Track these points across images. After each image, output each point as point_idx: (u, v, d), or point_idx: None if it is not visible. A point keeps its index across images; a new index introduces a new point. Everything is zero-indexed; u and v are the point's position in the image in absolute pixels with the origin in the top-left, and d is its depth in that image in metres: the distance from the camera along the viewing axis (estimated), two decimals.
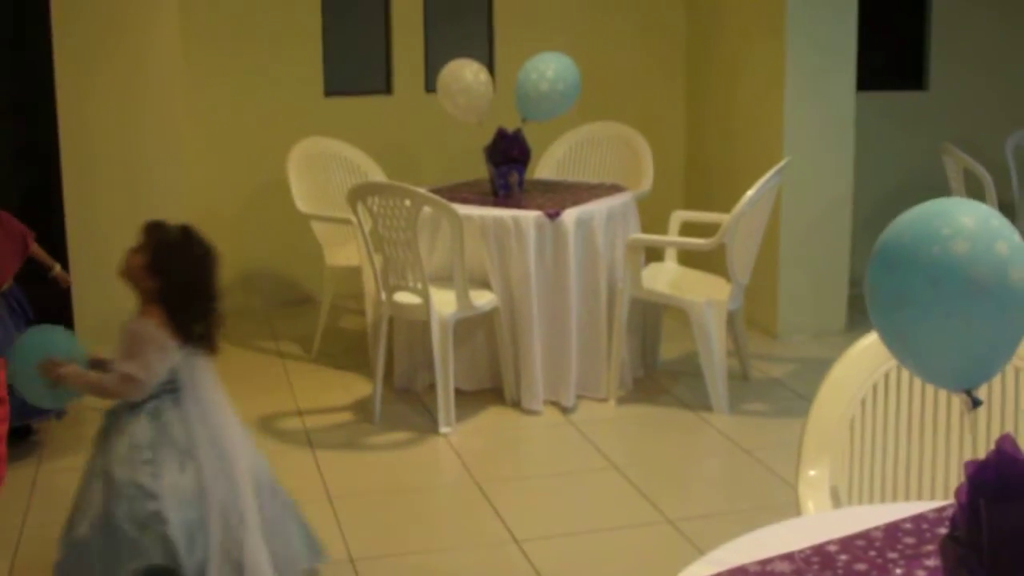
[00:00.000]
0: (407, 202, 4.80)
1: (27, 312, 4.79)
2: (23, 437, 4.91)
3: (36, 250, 4.80)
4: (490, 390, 5.29)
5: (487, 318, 5.12)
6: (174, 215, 5.42)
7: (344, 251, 5.87)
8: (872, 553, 1.85)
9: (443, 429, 4.90)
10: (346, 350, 5.99)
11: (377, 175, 6.11)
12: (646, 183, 6.09)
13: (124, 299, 5.35)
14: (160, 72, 5.41)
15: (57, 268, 4.86)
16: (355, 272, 5.68)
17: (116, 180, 5.43)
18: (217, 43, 6.54)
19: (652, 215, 5.98)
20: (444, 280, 5.02)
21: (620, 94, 7.14)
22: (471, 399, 5.21)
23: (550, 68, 5.53)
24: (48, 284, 4.89)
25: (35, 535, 4.08)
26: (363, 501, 4.32)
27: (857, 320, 6.16)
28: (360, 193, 4.98)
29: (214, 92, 6.54)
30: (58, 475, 4.62)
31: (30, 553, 3.95)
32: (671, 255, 5.69)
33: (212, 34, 6.52)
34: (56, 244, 5.49)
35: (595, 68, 6.69)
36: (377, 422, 5.06)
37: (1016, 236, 1.81)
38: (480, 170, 5.70)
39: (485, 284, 5.09)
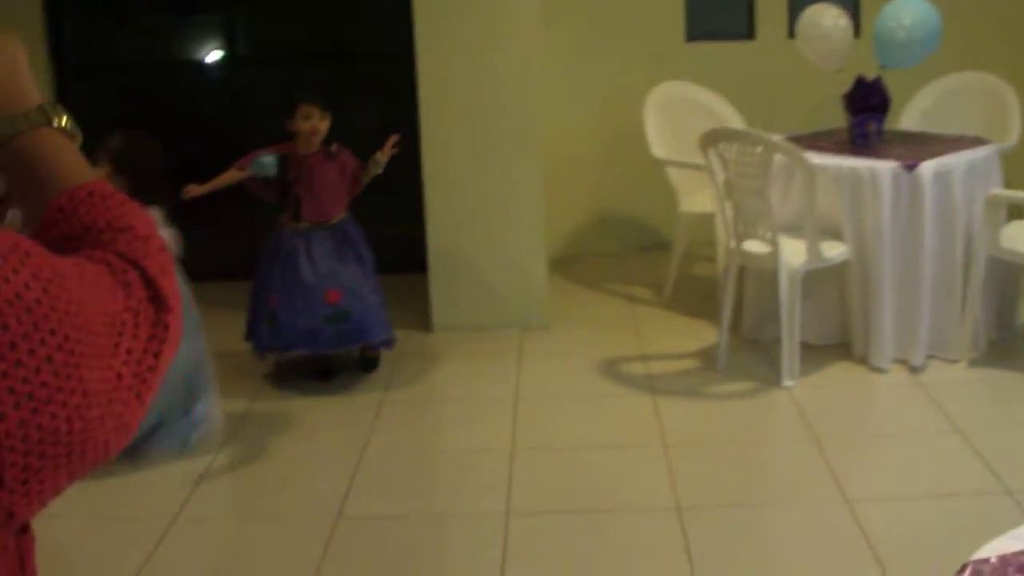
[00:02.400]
0: (758, 149, 4.72)
1: (357, 248, 5.01)
2: (369, 369, 5.19)
3: (370, 172, 4.97)
4: (837, 345, 5.14)
5: (837, 271, 4.97)
6: (528, 159, 5.60)
7: (698, 198, 5.84)
8: None
9: (786, 382, 4.81)
10: (697, 297, 5.96)
11: (735, 121, 6.02)
12: (1012, 136, 5.72)
13: (473, 233, 5.60)
14: (516, 16, 5.49)
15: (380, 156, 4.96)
16: (709, 219, 5.63)
17: (470, 122, 5.56)
18: None
19: (1017, 171, 5.62)
20: (795, 230, 4.90)
21: (990, 41, 6.72)
22: (817, 353, 5.08)
23: (907, 16, 5.25)
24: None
25: (376, 456, 4.33)
26: (697, 451, 4.30)
27: None
28: (712, 138, 4.93)
29: (572, 37, 6.61)
30: (398, 405, 4.86)
31: (367, 476, 4.19)
32: None
33: None
34: (413, 183, 5.73)
35: (964, 14, 6.33)
36: (721, 371, 5.02)
37: None
38: (840, 118, 5.52)
39: (837, 235, 4.94)
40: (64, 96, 6.76)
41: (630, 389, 4.93)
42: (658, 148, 5.89)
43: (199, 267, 4.26)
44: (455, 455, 4.47)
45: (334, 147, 4.96)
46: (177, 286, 1.12)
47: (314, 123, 4.88)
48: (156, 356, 1.05)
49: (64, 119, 1.20)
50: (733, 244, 5.01)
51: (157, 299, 1.08)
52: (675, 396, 4.80)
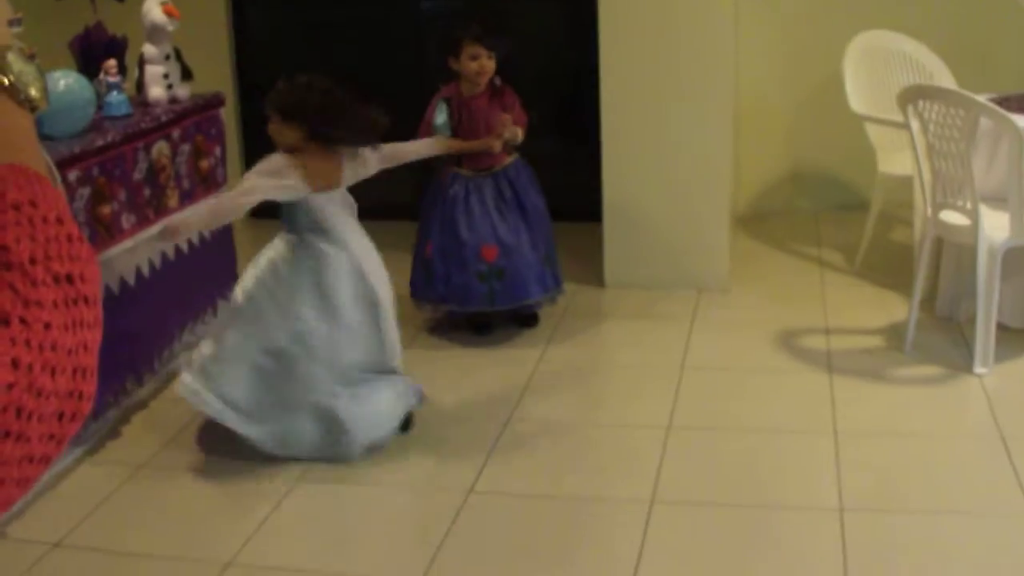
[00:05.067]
0: (961, 110, 4.27)
1: (522, 196, 4.76)
2: (529, 325, 4.96)
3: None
4: None
5: None
6: (716, 105, 5.24)
7: (899, 158, 5.37)
8: None
9: (978, 369, 4.37)
10: (891, 265, 5.51)
11: (943, 77, 5.50)
12: None
13: (652, 184, 5.28)
14: None
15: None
16: (909, 181, 5.17)
17: (653, 63, 5.21)
18: None
19: None
20: (999, 202, 4.43)
21: None
22: (1017, 338, 4.61)
23: None
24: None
25: (520, 426, 4.11)
26: (870, 442, 3.93)
27: None
28: (911, 96, 4.49)
29: None
30: (555, 367, 4.61)
31: (505, 448, 3.96)
32: None
33: None
34: (588, 127, 5.44)
35: None
36: (907, 352, 4.61)
37: None
38: None
39: None
40: (242, 27, 6.69)
41: (806, 365, 4.57)
42: (857, 102, 5.44)
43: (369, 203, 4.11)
44: (605, 430, 4.20)
45: (498, 82, 4.74)
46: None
47: (481, 63, 4.66)
48: None
49: (10, 75, 0.92)
50: (930, 213, 4.58)
51: None
52: (854, 377, 4.42)
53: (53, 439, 0.82)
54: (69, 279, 0.85)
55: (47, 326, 0.81)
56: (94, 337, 0.87)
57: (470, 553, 3.36)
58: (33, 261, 0.83)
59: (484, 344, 4.80)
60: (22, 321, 0.80)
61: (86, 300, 0.86)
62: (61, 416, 0.82)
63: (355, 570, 3.30)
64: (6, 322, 0.79)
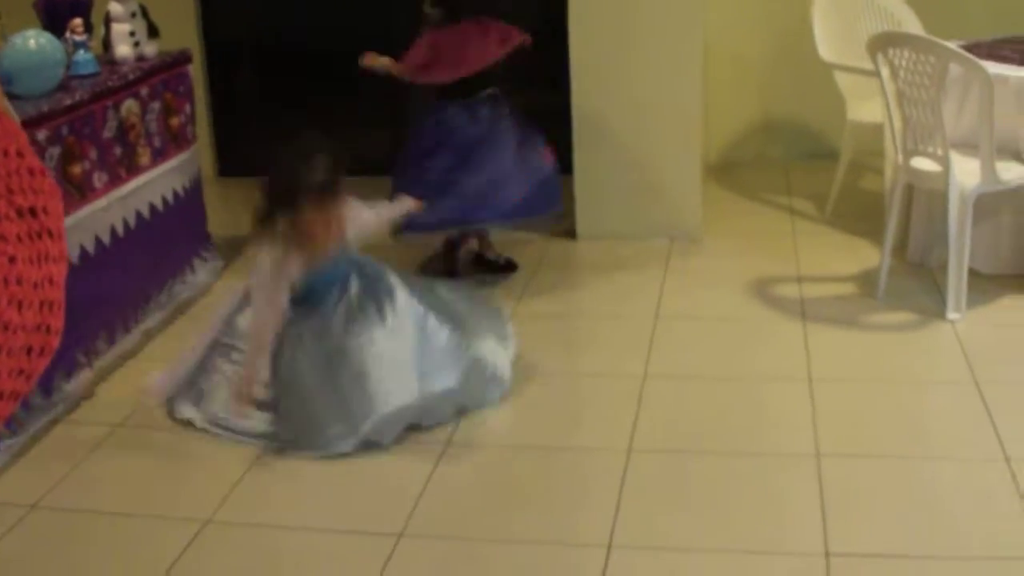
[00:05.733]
0: (931, 57, 4.27)
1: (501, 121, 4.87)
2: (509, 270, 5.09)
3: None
4: (1011, 276, 4.70)
5: (1015, 194, 4.51)
6: (686, 51, 5.21)
7: (868, 106, 5.38)
8: None
9: (951, 315, 4.41)
10: (861, 213, 5.53)
11: (911, 24, 5.51)
12: None
13: (622, 134, 5.26)
14: None
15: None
16: (879, 129, 5.17)
17: (620, 9, 5.20)
18: None
19: None
20: (969, 148, 4.45)
21: None
22: (988, 284, 4.65)
23: None
24: None
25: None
26: (845, 388, 3.96)
27: None
28: (880, 43, 4.49)
29: None
30: (528, 319, 4.61)
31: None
32: None
33: None
34: (557, 76, 5.42)
35: None
36: (880, 298, 4.64)
37: None
38: None
39: (1016, 155, 4.46)
40: None
41: (780, 313, 4.59)
42: (826, 50, 5.44)
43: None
44: (578, 379, 4.22)
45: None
46: None
47: None
48: None
49: None
50: (901, 160, 4.59)
51: None
52: (828, 324, 4.45)
53: (23, 374, 0.81)
54: (32, 212, 0.82)
55: (11, 259, 0.78)
56: (60, 270, 0.85)
57: (447, 502, 3.38)
58: None
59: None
60: None
61: (50, 233, 0.84)
62: (29, 351, 0.81)
63: (338, 525, 3.31)
64: None
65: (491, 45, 4.77)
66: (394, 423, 3.67)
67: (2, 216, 0.76)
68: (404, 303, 3.80)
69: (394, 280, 3.84)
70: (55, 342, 0.81)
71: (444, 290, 4.13)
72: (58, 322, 0.80)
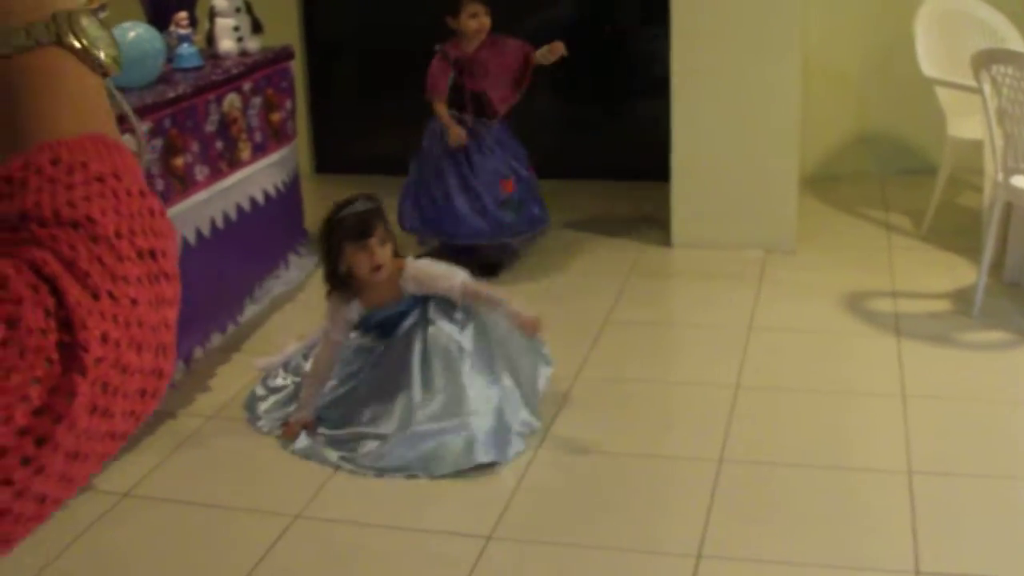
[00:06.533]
0: None
1: (506, 147, 5.02)
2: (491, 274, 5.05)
3: (535, 59, 4.97)
4: None
5: None
6: (786, 64, 5.19)
7: (969, 122, 5.31)
8: None
9: None
10: (959, 230, 5.46)
11: (1015, 41, 5.43)
12: None
13: (721, 144, 5.25)
14: None
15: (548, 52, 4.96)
16: (979, 146, 5.11)
17: (723, 19, 5.18)
18: None
19: None
20: None
21: None
22: None
23: None
24: None
25: (587, 383, 4.11)
26: (938, 405, 3.93)
27: None
28: (985, 59, 4.45)
29: None
30: (622, 326, 4.60)
31: (573, 404, 3.98)
32: None
33: None
34: (660, 83, 5.42)
35: None
36: (975, 316, 4.58)
37: None
38: None
39: None
40: None
41: (874, 328, 4.56)
42: (928, 65, 5.38)
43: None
44: (670, 387, 4.22)
45: (497, 37, 4.99)
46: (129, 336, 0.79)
47: (480, 20, 4.92)
48: (38, 442, 0.73)
49: (83, 39, 0.86)
50: (1000, 178, 4.54)
51: (65, 349, 0.75)
52: (922, 341, 4.40)
53: (133, 415, 0.82)
54: (152, 254, 0.83)
55: (134, 302, 0.80)
56: (173, 314, 0.86)
57: (538, 506, 3.40)
58: (119, 235, 0.80)
59: (550, 301, 4.80)
60: (111, 296, 0.78)
61: (167, 276, 0.85)
62: (143, 393, 0.82)
63: (428, 526, 3.34)
64: (96, 296, 0.77)
65: (510, 61, 4.97)
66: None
67: (125, 257, 0.78)
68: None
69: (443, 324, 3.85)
70: (164, 386, 0.82)
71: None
72: (170, 367, 0.81)
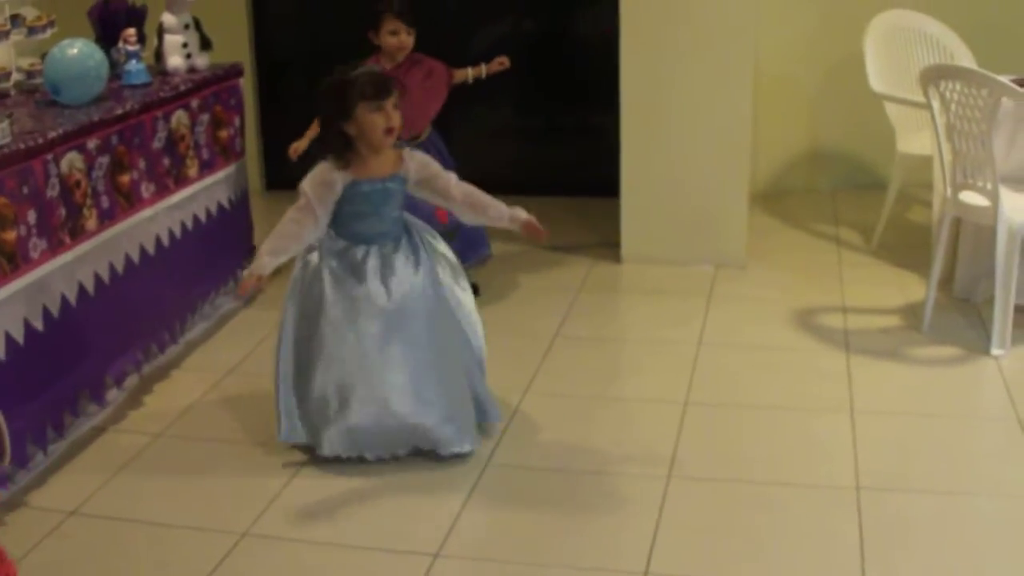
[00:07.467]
0: (984, 91, 4.25)
1: (446, 158, 4.73)
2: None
3: (457, 77, 4.91)
4: None
5: None
6: (736, 77, 5.20)
7: (918, 138, 5.36)
8: None
9: (995, 351, 4.36)
10: (909, 245, 5.49)
11: (964, 59, 5.48)
12: None
13: (671, 159, 5.26)
14: None
15: (481, 69, 4.92)
16: (928, 161, 5.14)
17: (673, 31, 5.19)
18: None
19: None
20: (1019, 183, 4.42)
21: None
22: None
23: None
24: None
25: (534, 397, 4.09)
26: (887, 420, 3.93)
27: None
28: (933, 76, 4.47)
29: None
30: (571, 340, 4.60)
31: (521, 419, 3.96)
32: None
33: None
34: (609, 98, 5.42)
35: None
36: (925, 332, 4.60)
37: None
38: None
39: None
40: None
41: (824, 344, 4.56)
42: (877, 81, 5.42)
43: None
44: (621, 403, 4.20)
45: (417, 56, 4.84)
46: None
47: (400, 38, 4.77)
48: None
49: None
50: (949, 193, 4.56)
51: None
52: (871, 356, 4.42)
53: None
54: None
55: None
56: None
57: (486, 524, 3.37)
58: None
59: (498, 315, 4.78)
60: None
61: None
62: None
63: (374, 543, 3.31)
64: None
65: (438, 85, 4.86)
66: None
67: None
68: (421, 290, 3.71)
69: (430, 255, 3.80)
70: None
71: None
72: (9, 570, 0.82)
